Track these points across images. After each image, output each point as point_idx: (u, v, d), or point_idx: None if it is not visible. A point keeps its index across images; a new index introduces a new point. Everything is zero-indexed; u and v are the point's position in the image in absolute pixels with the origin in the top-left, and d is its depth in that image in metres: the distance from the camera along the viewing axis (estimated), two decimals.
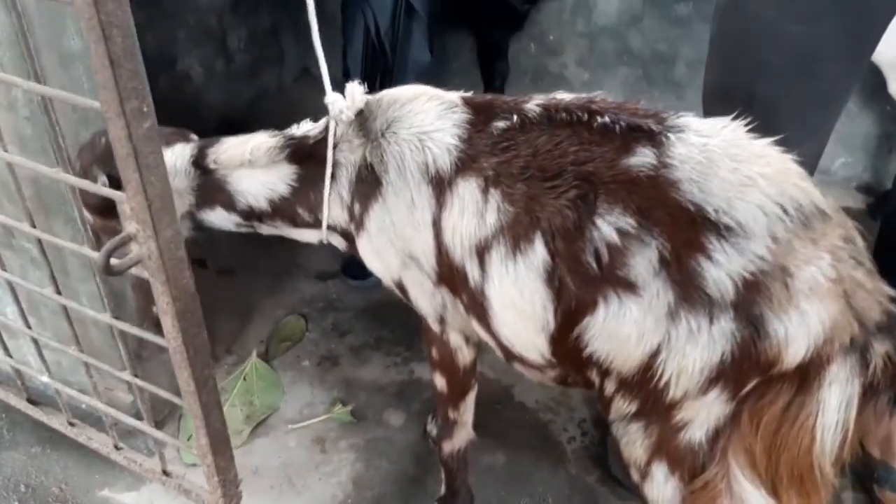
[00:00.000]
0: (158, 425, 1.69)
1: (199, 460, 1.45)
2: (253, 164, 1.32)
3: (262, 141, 1.32)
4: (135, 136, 1.01)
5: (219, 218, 1.40)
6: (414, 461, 1.84)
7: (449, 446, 1.56)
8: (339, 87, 1.31)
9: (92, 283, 1.62)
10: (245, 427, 1.90)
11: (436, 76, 3.37)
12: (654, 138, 1.08)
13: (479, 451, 1.87)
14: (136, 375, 1.47)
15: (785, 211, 1.01)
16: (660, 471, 1.17)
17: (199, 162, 1.34)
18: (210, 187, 1.36)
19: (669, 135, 1.08)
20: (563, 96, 1.20)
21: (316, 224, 1.36)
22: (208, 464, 1.42)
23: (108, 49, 0.92)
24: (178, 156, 1.34)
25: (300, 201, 1.36)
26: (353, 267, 2.31)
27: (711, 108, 1.54)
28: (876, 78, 2.47)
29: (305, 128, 1.35)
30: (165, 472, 1.60)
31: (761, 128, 1.46)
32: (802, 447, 1.05)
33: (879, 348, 1.01)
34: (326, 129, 1.30)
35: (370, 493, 1.78)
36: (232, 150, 1.33)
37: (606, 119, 1.12)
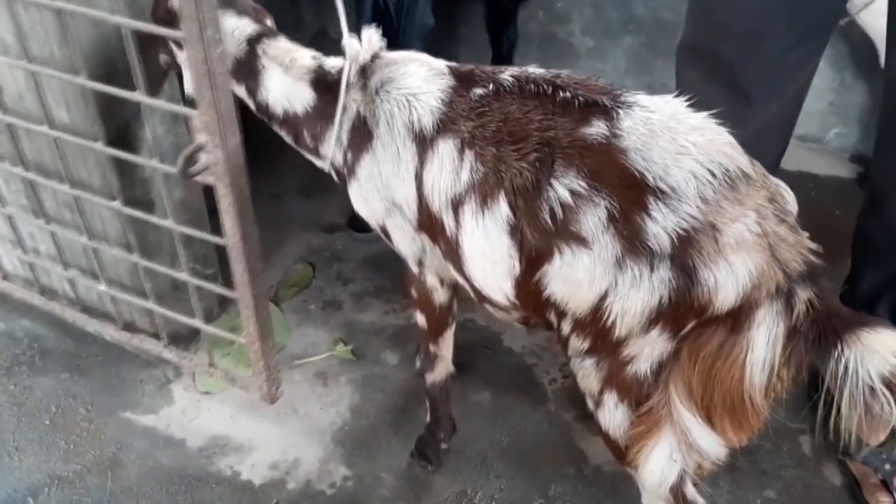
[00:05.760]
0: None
1: (247, 346, 1.62)
2: (287, 71, 1.45)
3: (302, 56, 1.45)
4: (210, 58, 1.20)
5: (240, 93, 1.51)
6: (406, 395, 2.00)
7: (431, 378, 1.72)
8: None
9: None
10: None
11: (441, 40, 3.48)
12: (607, 112, 1.21)
13: (467, 390, 2.04)
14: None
15: (713, 175, 1.14)
16: (611, 399, 1.31)
17: (252, 42, 1.45)
18: (247, 66, 1.47)
19: (619, 110, 1.21)
20: (534, 70, 1.33)
21: (314, 152, 1.49)
22: (255, 349, 1.62)
23: None
24: (240, 27, 1.46)
25: (308, 126, 1.48)
26: (358, 221, 2.46)
27: (683, 61, 1.66)
28: (870, 50, 2.55)
29: (333, 63, 1.46)
30: (212, 364, 1.80)
31: (726, 84, 1.58)
32: (734, 380, 1.18)
33: (803, 294, 1.13)
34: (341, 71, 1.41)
35: (366, 422, 1.95)
36: (280, 50, 1.45)
37: (567, 94, 1.25)
